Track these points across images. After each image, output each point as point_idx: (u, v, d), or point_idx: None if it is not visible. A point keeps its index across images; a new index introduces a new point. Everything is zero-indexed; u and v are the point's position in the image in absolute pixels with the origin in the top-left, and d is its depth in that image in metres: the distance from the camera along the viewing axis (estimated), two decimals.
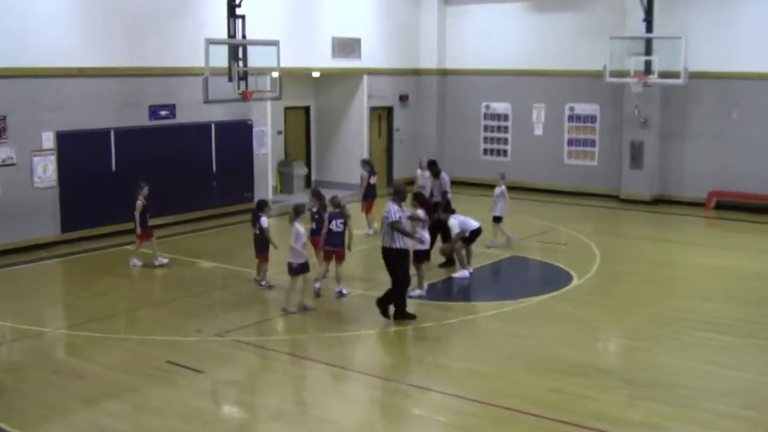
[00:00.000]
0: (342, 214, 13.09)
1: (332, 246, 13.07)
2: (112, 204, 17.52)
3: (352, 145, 24.53)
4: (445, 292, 14.03)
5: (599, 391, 9.58)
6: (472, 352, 11.01)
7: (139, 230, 15.09)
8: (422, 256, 13.18)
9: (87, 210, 17.28)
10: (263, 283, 13.65)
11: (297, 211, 12.39)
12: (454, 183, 19.09)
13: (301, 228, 12.32)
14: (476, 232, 14.76)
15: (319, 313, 12.49)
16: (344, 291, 13.15)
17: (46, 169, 16.65)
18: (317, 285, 13.17)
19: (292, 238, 12.24)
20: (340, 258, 13.17)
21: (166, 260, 15.21)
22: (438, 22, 25.75)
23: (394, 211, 11.82)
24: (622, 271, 15.28)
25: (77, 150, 17.12)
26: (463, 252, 14.71)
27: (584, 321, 12.32)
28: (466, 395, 9.46)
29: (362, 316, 12.37)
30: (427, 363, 10.68)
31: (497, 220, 16.93)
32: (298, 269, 12.36)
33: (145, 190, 15.18)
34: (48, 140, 16.69)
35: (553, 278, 14.67)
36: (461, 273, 14.63)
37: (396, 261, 11.82)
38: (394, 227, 11.76)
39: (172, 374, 10.01)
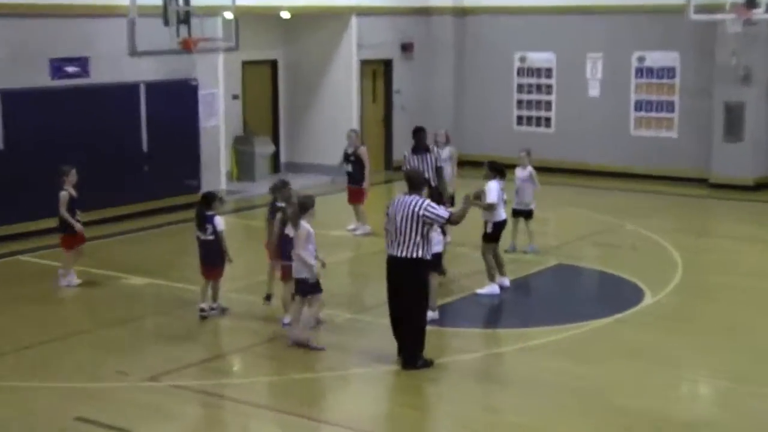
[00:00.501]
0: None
1: (290, 259, 12.66)
2: (0, 196, 17.48)
3: (335, 113, 24.57)
4: (465, 314, 13.96)
5: None
6: (506, 398, 10.93)
7: (66, 232, 14.87)
8: (433, 264, 12.86)
9: None
10: (214, 306, 13.45)
11: (304, 206, 12.11)
12: (473, 163, 18.98)
13: (311, 229, 12.11)
14: (501, 226, 14.78)
15: (291, 347, 12.33)
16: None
17: None
18: (286, 320, 12.94)
19: (299, 244, 12.00)
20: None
21: (78, 280, 15.03)
22: None
23: (432, 207, 11.40)
24: (712, 284, 15.23)
25: None
26: (492, 257, 14.64)
27: (662, 354, 12.19)
28: None
29: (350, 348, 12.31)
30: (443, 414, 10.59)
31: (528, 215, 16.88)
32: (311, 288, 12.19)
33: (72, 176, 14.88)
34: None
35: (617, 295, 14.61)
36: (490, 288, 14.59)
37: (415, 278, 11.48)
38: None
39: None
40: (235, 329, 13.06)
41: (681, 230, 18.87)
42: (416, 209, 11.28)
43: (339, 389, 11.38)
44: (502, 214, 14.74)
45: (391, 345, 11.75)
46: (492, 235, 14.66)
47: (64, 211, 14.71)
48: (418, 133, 16.75)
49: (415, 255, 11.34)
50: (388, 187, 23.07)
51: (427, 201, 11.45)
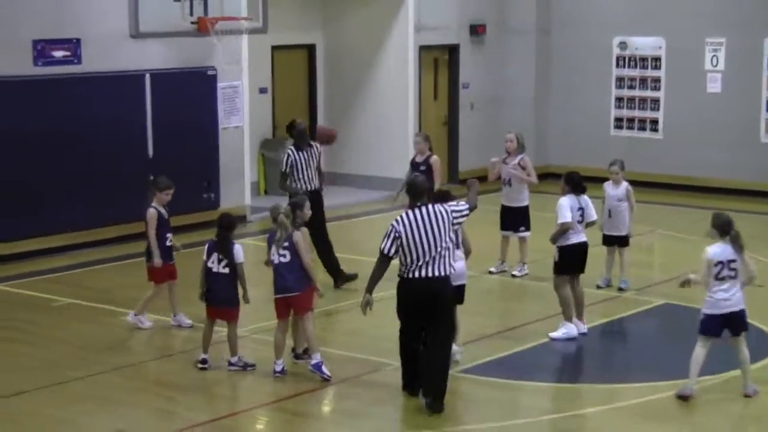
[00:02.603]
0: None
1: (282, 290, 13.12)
2: None
3: (387, 112, 24.77)
4: (540, 365, 14.05)
5: None
6: None
7: (157, 261, 14.89)
8: (458, 296, 13.31)
9: None
10: (233, 361, 13.38)
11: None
12: (555, 176, 18.89)
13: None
14: (575, 253, 14.70)
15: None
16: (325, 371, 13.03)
17: None
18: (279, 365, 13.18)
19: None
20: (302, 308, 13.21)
21: (190, 321, 15.13)
22: None
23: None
24: None
25: None
26: (568, 292, 14.64)
27: None
28: None
29: (397, 402, 12.36)
30: None
31: (623, 242, 16.79)
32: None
33: (168, 193, 14.91)
34: None
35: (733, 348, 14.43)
36: (565, 330, 14.62)
37: (450, 298, 12.41)
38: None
39: None
40: (266, 377, 13.13)
41: None
42: (446, 216, 12.09)
43: None
44: (579, 236, 14.70)
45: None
46: (564, 264, 14.64)
47: (151, 233, 14.77)
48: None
49: (449, 271, 12.12)
50: None
51: (445, 205, 12.33)
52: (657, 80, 25.26)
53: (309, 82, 25.55)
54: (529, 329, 14.89)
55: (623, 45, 25.55)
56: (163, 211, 14.85)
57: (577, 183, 14.69)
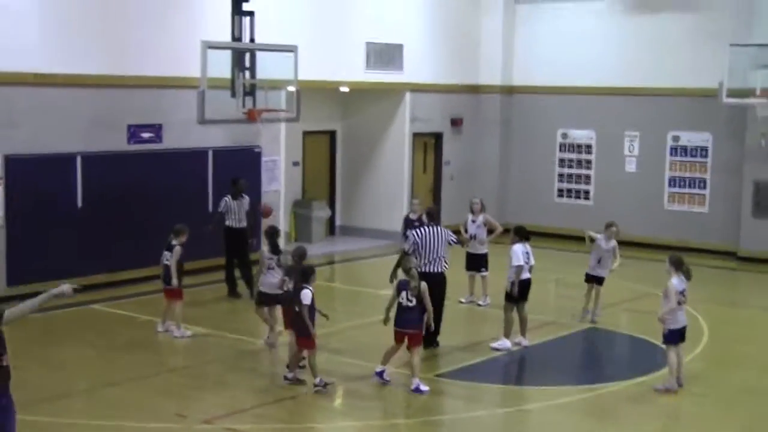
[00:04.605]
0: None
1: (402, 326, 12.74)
2: (76, 250, 17.74)
3: (388, 181, 24.76)
4: (494, 372, 14.08)
5: None
6: None
7: (175, 282, 15.15)
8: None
9: (42, 257, 17.36)
10: (317, 383, 12.57)
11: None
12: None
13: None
14: (524, 287, 14.77)
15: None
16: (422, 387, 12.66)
17: None
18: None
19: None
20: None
21: (190, 332, 15.27)
22: (504, 25, 26.04)
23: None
24: (738, 353, 15.09)
25: (32, 179, 17.29)
26: (513, 315, 14.75)
27: (687, 419, 12.17)
28: None
29: (389, 399, 12.37)
30: None
31: (601, 282, 16.63)
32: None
33: (184, 236, 15.23)
34: None
35: (645, 358, 14.57)
36: (500, 343, 14.70)
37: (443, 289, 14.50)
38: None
39: None
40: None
41: (710, 300, 18.67)
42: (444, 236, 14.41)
43: None
44: (525, 274, 14.71)
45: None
46: (515, 294, 14.64)
47: (174, 264, 15.02)
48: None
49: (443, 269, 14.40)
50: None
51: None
52: (589, 162, 25.24)
53: (330, 158, 25.50)
54: (487, 345, 14.82)
55: (564, 135, 25.57)
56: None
57: (524, 234, 14.84)
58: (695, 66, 23.04)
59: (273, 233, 14.85)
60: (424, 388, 12.45)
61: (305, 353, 12.61)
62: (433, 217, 14.99)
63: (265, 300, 14.48)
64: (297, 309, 12.44)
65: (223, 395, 12.51)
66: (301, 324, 12.47)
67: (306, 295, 12.45)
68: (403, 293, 12.56)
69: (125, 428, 11.17)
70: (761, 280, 20.97)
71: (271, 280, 14.26)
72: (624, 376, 13.48)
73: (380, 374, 12.81)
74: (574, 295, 17.38)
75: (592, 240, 15.71)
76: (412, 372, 12.61)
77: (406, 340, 12.62)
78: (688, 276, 12.97)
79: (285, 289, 13.21)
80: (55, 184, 17.63)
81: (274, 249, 14.60)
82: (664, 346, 13.04)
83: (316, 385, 12.46)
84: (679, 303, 12.78)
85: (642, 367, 13.77)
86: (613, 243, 16.62)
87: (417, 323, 12.59)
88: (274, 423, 11.70)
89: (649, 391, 12.87)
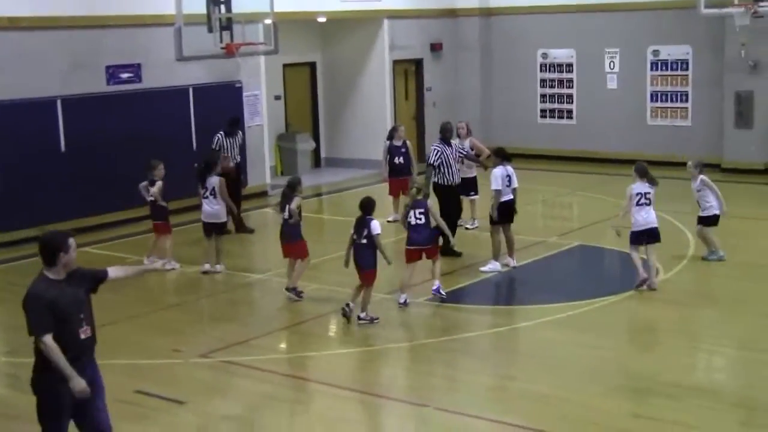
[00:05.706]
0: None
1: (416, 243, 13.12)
2: (61, 195, 17.73)
3: (370, 111, 24.70)
4: (486, 293, 14.24)
5: (698, 417, 9.55)
6: (529, 368, 11.05)
7: (160, 220, 15.36)
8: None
9: (27, 203, 17.35)
10: (362, 316, 12.47)
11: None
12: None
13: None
14: (509, 207, 14.79)
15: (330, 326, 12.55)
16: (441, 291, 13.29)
17: None
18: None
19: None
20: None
21: (178, 264, 15.36)
22: None
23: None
24: (724, 262, 15.16)
25: (13, 125, 17.20)
26: (500, 237, 14.80)
27: (675, 327, 12.32)
28: (527, 424, 9.49)
29: (385, 325, 12.47)
30: (471, 384, 10.74)
31: (712, 221, 15.37)
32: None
33: (161, 169, 15.34)
34: None
35: (632, 272, 14.53)
36: (491, 266, 14.80)
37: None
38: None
39: (143, 407, 10.11)
40: (282, 309, 13.30)
41: (695, 212, 18.81)
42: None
43: (372, 362, 11.61)
44: (507, 196, 14.68)
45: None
46: (498, 217, 14.67)
47: (160, 197, 15.25)
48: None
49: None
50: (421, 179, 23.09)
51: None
52: (570, 81, 25.20)
53: (312, 90, 25.43)
54: (477, 268, 14.91)
55: (545, 55, 25.50)
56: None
57: (504, 155, 14.86)
58: None
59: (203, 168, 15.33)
60: (443, 292, 13.13)
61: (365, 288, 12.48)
62: (446, 133, 16.08)
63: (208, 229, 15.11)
64: (362, 241, 12.32)
65: (219, 329, 12.65)
66: (367, 257, 12.39)
67: (375, 226, 12.31)
68: (412, 213, 12.99)
69: (121, 366, 11.22)
70: (745, 190, 21.04)
71: (207, 208, 14.90)
72: (613, 291, 13.60)
73: (404, 303, 13.04)
74: (561, 214, 17.44)
75: (619, 234, 14.67)
76: (433, 276, 13.25)
77: (423, 255, 13.14)
78: (652, 183, 13.47)
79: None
80: (36, 129, 17.55)
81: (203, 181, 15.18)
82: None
83: (361, 319, 12.36)
84: (641, 204, 13.33)
85: (630, 281, 13.86)
86: (699, 180, 15.31)
87: (430, 239, 13.15)
88: (271, 353, 11.82)
89: (639, 304, 13.00)
